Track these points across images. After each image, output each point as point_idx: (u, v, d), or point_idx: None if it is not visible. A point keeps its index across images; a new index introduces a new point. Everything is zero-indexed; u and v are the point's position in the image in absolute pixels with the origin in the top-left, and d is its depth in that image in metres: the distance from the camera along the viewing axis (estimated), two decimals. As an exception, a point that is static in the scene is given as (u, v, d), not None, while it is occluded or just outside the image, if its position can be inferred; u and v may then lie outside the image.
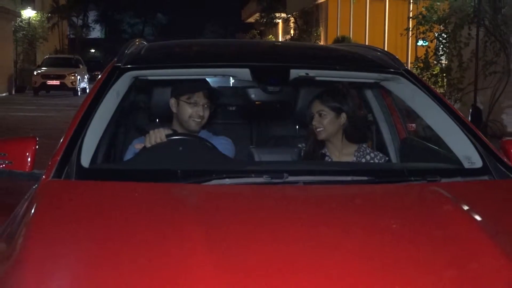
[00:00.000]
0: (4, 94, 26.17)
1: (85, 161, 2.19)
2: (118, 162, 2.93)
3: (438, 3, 14.47)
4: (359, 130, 3.09)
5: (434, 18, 14.50)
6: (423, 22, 14.64)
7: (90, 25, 65.46)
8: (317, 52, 3.51)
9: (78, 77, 27.82)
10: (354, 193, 2.18)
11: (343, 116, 2.95)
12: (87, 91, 29.01)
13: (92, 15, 66.43)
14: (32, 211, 1.88)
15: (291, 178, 2.13)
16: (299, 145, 3.16)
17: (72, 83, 27.19)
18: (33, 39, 31.49)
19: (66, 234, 1.73)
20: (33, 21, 31.22)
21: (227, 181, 2.14)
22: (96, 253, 1.62)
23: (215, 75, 2.92)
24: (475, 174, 2.33)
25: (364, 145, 3.04)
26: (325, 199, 2.13)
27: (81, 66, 29.51)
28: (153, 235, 1.72)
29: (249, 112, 3.79)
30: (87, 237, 1.72)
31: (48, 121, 15.74)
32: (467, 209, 2.00)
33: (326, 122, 2.93)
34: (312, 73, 2.76)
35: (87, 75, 30.86)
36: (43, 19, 32.92)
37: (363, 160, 3.00)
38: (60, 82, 26.99)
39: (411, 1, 16.80)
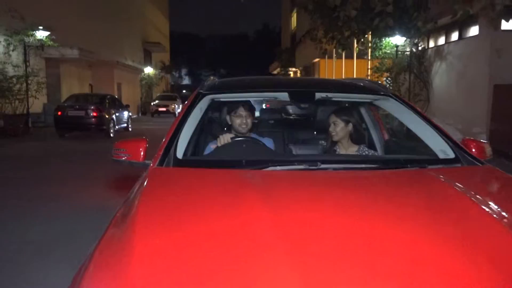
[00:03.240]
0: (135, 116, 26.27)
1: (179, 154, 1.94)
2: (200, 156, 2.53)
3: (385, 60, 14.54)
4: (360, 135, 2.77)
5: (383, 69, 14.41)
6: (377, 71, 14.49)
7: (182, 76, 65.88)
8: (332, 82, 3.09)
9: (176, 105, 27.73)
10: (370, 174, 1.85)
11: (350, 125, 2.66)
12: None
13: (183, 71, 67.04)
14: (144, 187, 1.62)
15: (322, 166, 1.85)
16: (320, 142, 2.86)
17: (173, 109, 27.17)
18: (151, 84, 31.52)
19: (168, 204, 1.45)
20: (151, 74, 31.27)
21: (279, 167, 1.85)
22: (191, 219, 1.31)
23: (264, 97, 2.66)
24: (451, 162, 2.01)
25: (362, 146, 2.70)
26: (352, 179, 1.79)
27: (178, 100, 29.32)
28: (230, 203, 1.43)
29: (284, 121, 3.38)
30: (185, 205, 1.43)
31: (161, 130, 15.16)
32: (462, 188, 1.64)
33: (339, 129, 2.64)
34: (330, 95, 2.47)
35: (181, 105, 30.86)
36: (156, 73, 32.99)
37: None
38: (166, 109, 26.97)
39: (369, 60, 16.61)
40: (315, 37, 12.46)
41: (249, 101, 2.71)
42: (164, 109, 27.06)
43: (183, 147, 2.02)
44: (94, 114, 13.06)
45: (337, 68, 22.29)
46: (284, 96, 2.44)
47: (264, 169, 1.83)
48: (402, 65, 13.48)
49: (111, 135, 13.56)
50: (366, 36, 12.28)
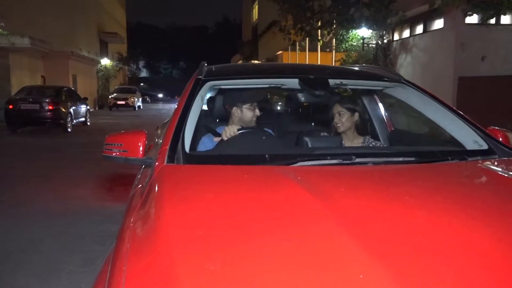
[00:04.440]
0: (92, 110, 25.48)
1: (187, 149, 1.70)
2: (212, 151, 2.14)
3: (352, 52, 14.58)
4: (364, 126, 2.63)
5: (350, 61, 14.47)
6: (343, 63, 14.46)
7: (140, 68, 64.40)
8: (344, 68, 2.84)
9: (136, 99, 27.24)
10: (418, 168, 1.66)
11: (356, 115, 2.53)
12: (141, 107, 29.32)
13: (141, 63, 65.49)
14: (159, 189, 1.38)
15: (357, 160, 1.66)
16: (322, 134, 2.66)
17: (132, 102, 26.63)
18: (108, 76, 30.74)
19: (197, 210, 1.20)
20: (107, 66, 30.50)
21: (309, 163, 1.62)
22: (228, 231, 1.07)
23: (271, 84, 2.37)
24: (486, 154, 1.83)
25: (367, 137, 2.57)
26: (402, 174, 1.59)
27: (137, 92, 28.74)
28: (280, 202, 1.23)
29: (291, 112, 3.09)
30: (224, 210, 1.20)
31: (120, 124, 15.53)
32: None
33: (344, 119, 2.51)
34: (345, 82, 2.30)
35: (141, 98, 30.40)
36: (113, 65, 32.23)
37: None
38: (125, 102, 26.39)
39: (334, 52, 16.64)
40: (283, 28, 12.28)
41: (262, 95, 2.50)
42: (123, 102, 26.45)
43: (189, 140, 1.77)
44: (50, 107, 12.39)
45: (301, 60, 22.38)
46: (293, 83, 2.26)
47: (293, 165, 1.60)
48: (368, 57, 13.65)
49: (69, 129, 12.98)
50: (334, 27, 12.24)
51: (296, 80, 2.21)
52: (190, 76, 2.37)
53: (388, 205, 1.23)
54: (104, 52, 31.10)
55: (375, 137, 2.81)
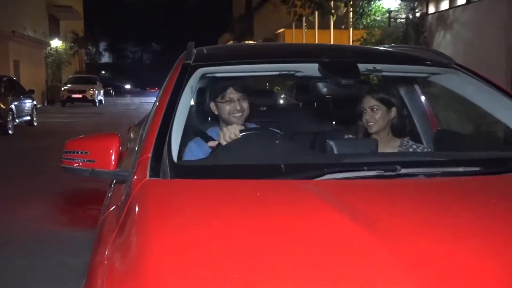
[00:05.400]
0: (39, 106, 25.51)
1: (175, 158, 1.67)
2: (210, 159, 2.03)
3: (376, 30, 14.58)
4: (403, 125, 2.59)
5: (372, 41, 14.40)
6: (364, 44, 14.29)
7: (101, 52, 64.53)
8: (376, 50, 2.85)
9: (96, 91, 27.35)
10: (489, 185, 1.60)
11: (393, 110, 2.49)
12: (103, 102, 29.34)
13: (102, 45, 65.59)
14: (141, 213, 1.35)
15: (403, 171, 1.61)
16: (346, 137, 2.64)
17: (91, 96, 26.71)
18: (59, 62, 30.76)
19: (196, 244, 1.16)
20: (59, 49, 30.55)
21: (341, 175, 1.58)
22: (238, 274, 1.03)
23: (282, 71, 2.34)
24: None
25: (406, 139, 2.53)
26: (465, 194, 1.53)
27: (97, 83, 28.87)
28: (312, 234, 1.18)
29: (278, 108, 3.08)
30: (223, 247, 1.14)
31: (77, 125, 15.43)
32: None
33: (378, 116, 2.46)
34: (379, 67, 2.27)
35: (102, 90, 30.46)
36: (67, 47, 32.32)
37: None
38: (82, 96, 26.46)
39: (351, 30, 16.61)
40: (287, -1, 12.27)
41: (242, 78, 2.50)
42: (79, 95, 26.60)
43: (177, 145, 1.73)
44: (-16, 103, 12.54)
45: (308, 40, 22.38)
46: (311, 69, 2.22)
47: (318, 179, 1.55)
48: (395, 36, 13.66)
49: (9, 131, 13.02)
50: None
51: (315, 66, 2.18)
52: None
53: (465, 245, 1.17)
54: (54, 32, 31.05)
55: (416, 139, 2.76)
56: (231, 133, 2.11)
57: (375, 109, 2.47)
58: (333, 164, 1.67)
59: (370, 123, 2.48)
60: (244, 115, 2.42)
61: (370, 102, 2.48)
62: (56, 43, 30.19)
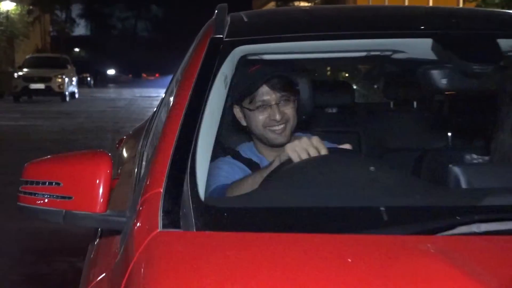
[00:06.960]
0: None
1: (202, 194, 1.76)
2: (264, 198, 2.07)
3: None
4: None
5: (496, 1, 14.47)
6: (483, 6, 14.35)
7: (75, 20, 65.89)
8: None
9: (66, 79, 27.96)
10: None
11: None
12: (77, 96, 29.76)
13: (76, 9, 66.92)
14: None
15: None
16: (474, 158, 2.71)
17: (59, 86, 27.39)
18: (12, 35, 31.74)
19: None
20: (12, 15, 31.48)
21: (484, 227, 1.65)
22: None
23: (370, 52, 2.58)
24: None
25: None
26: None
27: (69, 67, 29.80)
28: None
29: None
30: None
31: (37, 131, 15.98)
32: None
33: None
34: None
35: (75, 78, 31.06)
36: (23, 12, 33.27)
37: None
38: (46, 86, 27.16)
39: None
40: None
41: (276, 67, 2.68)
42: (41, 85, 27.32)
43: (205, 175, 1.89)
44: None
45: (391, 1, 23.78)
46: (419, 47, 2.45)
47: (446, 233, 1.64)
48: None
49: None
50: None
51: (425, 42, 2.35)
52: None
53: None
54: (5, -13, 32.10)
55: None
56: (308, 147, 2.18)
57: None
58: (471, 208, 1.80)
59: None
60: (289, 127, 2.57)
61: None
62: (7, 5, 31.10)
